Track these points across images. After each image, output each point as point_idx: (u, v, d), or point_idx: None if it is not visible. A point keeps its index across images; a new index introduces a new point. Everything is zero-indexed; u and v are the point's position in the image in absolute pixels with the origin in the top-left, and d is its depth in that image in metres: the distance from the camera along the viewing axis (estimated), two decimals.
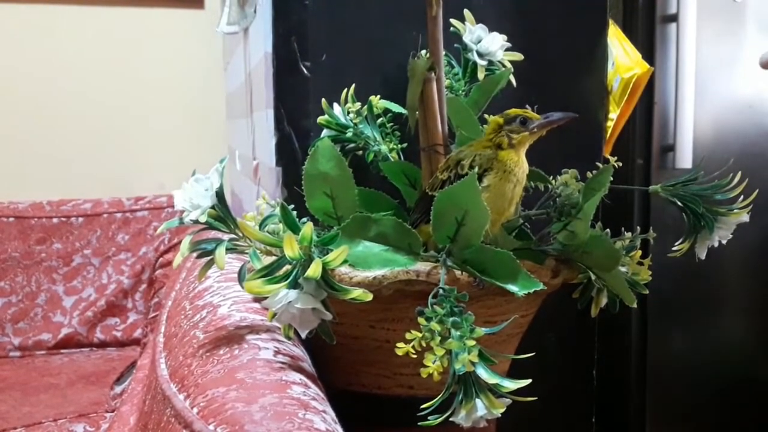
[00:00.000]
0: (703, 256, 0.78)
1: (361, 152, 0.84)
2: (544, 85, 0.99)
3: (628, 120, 1.33)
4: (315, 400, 0.54)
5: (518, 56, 0.85)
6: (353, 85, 0.84)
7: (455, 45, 0.85)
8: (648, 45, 1.40)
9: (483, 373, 0.57)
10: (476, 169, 0.68)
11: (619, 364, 1.54)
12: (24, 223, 1.88)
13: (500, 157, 0.70)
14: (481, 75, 0.83)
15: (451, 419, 0.58)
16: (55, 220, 1.90)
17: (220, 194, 0.67)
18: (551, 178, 0.80)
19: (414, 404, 0.59)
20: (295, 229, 0.65)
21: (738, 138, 1.41)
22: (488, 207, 0.67)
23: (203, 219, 0.66)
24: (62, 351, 1.82)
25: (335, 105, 0.84)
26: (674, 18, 1.38)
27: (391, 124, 0.85)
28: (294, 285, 0.60)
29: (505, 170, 0.69)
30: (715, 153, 1.37)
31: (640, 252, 0.78)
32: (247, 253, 0.67)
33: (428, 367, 0.58)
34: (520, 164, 0.71)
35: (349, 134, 0.83)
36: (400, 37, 0.88)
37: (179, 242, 0.68)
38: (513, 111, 0.71)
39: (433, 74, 0.76)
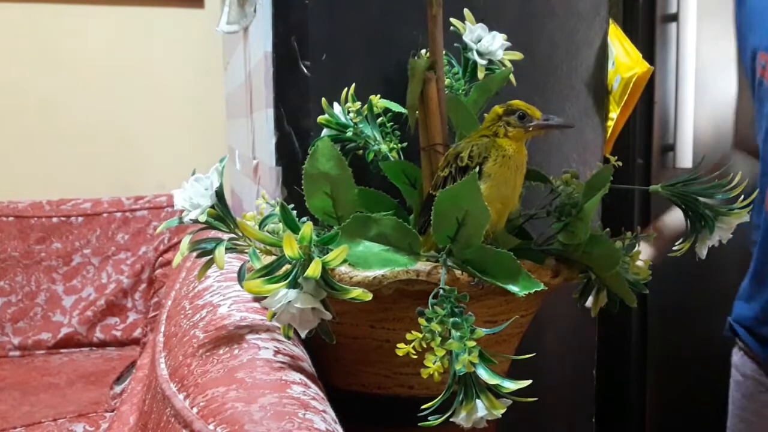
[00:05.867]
0: (703, 256, 0.78)
1: (361, 152, 0.84)
2: (545, 84, 0.99)
3: (628, 120, 1.33)
4: (315, 399, 0.54)
5: (518, 55, 0.85)
6: (353, 85, 0.84)
7: (455, 44, 0.85)
8: (648, 45, 1.40)
9: (483, 373, 0.57)
10: (476, 160, 0.68)
11: (619, 364, 1.54)
12: (24, 223, 1.88)
13: (497, 144, 0.70)
14: (481, 74, 0.83)
15: (451, 420, 0.58)
16: (54, 220, 1.90)
17: (219, 194, 0.67)
18: (551, 178, 0.80)
19: (414, 404, 0.58)
20: (294, 229, 0.64)
21: None
22: (493, 196, 0.67)
23: (203, 218, 0.66)
24: (62, 350, 1.82)
25: (335, 104, 0.84)
26: (674, 18, 1.38)
27: (391, 123, 0.84)
28: (294, 285, 0.60)
29: (504, 155, 0.69)
30: (715, 153, 1.37)
31: (640, 252, 0.77)
32: (246, 253, 0.67)
33: (429, 367, 0.58)
34: (518, 150, 0.70)
35: (349, 134, 0.83)
36: (400, 37, 0.88)
37: (179, 242, 0.68)
38: (516, 103, 0.71)
39: (433, 73, 0.76)
